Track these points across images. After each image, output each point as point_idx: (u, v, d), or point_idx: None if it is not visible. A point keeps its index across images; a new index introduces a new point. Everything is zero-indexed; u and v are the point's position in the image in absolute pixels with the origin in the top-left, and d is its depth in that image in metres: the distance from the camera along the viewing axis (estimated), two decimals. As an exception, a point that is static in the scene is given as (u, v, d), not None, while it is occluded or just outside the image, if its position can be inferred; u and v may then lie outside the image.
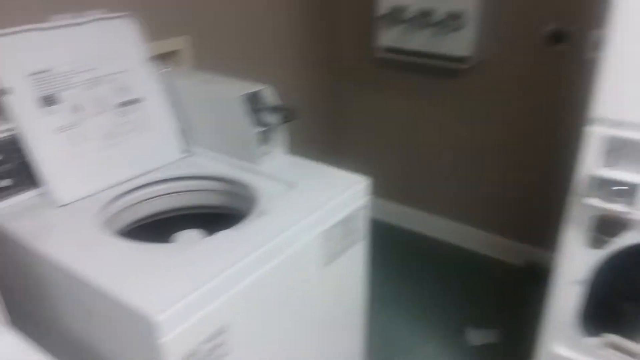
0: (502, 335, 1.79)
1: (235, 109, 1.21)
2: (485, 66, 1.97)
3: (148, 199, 1.21)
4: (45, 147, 1.06)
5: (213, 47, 1.72)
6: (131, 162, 1.20)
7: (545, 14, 1.81)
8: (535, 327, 1.28)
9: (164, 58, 1.46)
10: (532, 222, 2.08)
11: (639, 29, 0.95)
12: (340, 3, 2.21)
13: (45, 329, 1.02)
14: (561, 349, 1.24)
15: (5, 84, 1.03)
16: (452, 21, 1.91)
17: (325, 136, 2.38)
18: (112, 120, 1.17)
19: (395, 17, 2.02)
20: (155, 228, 1.21)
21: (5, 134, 1.03)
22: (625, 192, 1.02)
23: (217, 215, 1.24)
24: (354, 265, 1.21)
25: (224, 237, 0.97)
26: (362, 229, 1.19)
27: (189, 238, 1.09)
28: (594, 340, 1.20)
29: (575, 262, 1.15)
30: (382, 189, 1.27)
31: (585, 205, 1.08)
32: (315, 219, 1.05)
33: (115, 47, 1.21)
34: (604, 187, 1.04)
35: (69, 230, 0.99)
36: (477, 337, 1.79)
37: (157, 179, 1.21)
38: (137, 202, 1.19)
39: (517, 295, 1.97)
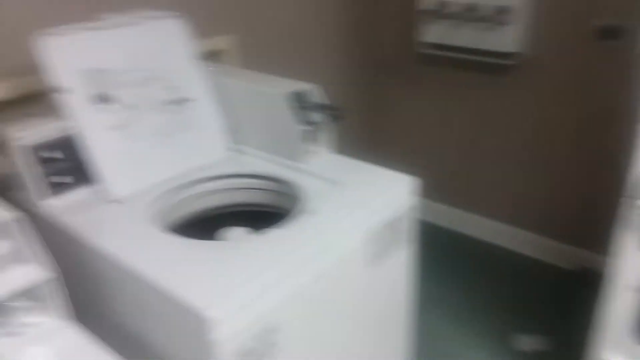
0: (553, 342, 1.74)
1: (282, 107, 1.22)
2: (533, 63, 1.92)
3: (194, 195, 1.23)
4: (99, 145, 1.09)
5: (258, 46, 1.73)
6: (179, 159, 1.22)
7: (597, 8, 1.74)
8: (587, 334, 1.24)
9: (211, 56, 1.48)
10: (584, 224, 2.01)
11: None
12: (384, 1, 2.19)
13: (100, 322, 1.06)
14: (614, 357, 1.20)
15: (63, 83, 1.06)
16: (498, 16, 1.87)
17: (365, 134, 2.36)
18: (162, 118, 1.20)
19: (439, 12, 1.98)
20: (202, 224, 1.23)
21: (63, 133, 1.07)
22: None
23: (262, 213, 1.26)
24: (401, 266, 1.21)
25: (274, 235, 0.98)
26: (409, 229, 1.18)
27: (237, 235, 1.10)
28: (649, 349, 1.16)
29: (630, 267, 1.11)
30: (427, 189, 1.25)
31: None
32: (362, 218, 1.05)
33: (166, 46, 1.23)
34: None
35: (122, 225, 1.02)
36: (526, 343, 1.74)
37: (204, 177, 1.23)
38: (184, 199, 1.21)
39: (568, 301, 1.92)
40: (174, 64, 1.23)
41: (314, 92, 1.24)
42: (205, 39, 1.48)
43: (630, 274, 1.12)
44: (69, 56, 1.08)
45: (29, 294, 0.77)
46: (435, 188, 2.30)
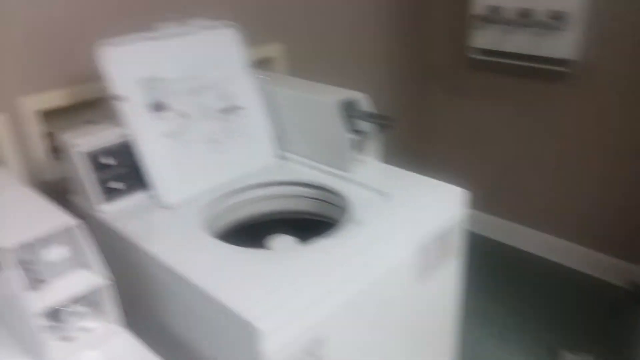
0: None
1: (330, 115, 1.21)
2: (590, 70, 1.84)
3: (242, 202, 1.24)
4: (154, 151, 1.12)
5: (305, 53, 1.74)
6: (228, 166, 1.23)
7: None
8: (636, 353, 1.17)
9: (260, 64, 1.50)
10: (637, 239, 1.91)
11: None
12: (432, 3, 2.16)
13: (148, 327, 1.08)
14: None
15: (121, 92, 1.09)
16: (554, 21, 1.80)
17: (413, 143, 2.33)
18: (213, 126, 1.21)
19: (492, 17, 1.93)
20: (249, 231, 1.24)
21: (119, 140, 1.10)
22: None
23: (309, 221, 1.25)
24: (449, 279, 1.18)
25: (323, 246, 0.97)
26: (459, 242, 1.15)
27: (284, 244, 1.10)
28: None
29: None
30: (478, 201, 1.22)
31: None
32: (411, 230, 1.03)
33: (219, 55, 1.25)
34: None
35: (173, 231, 1.04)
36: (574, 361, 1.68)
37: (251, 184, 1.24)
38: (232, 206, 1.22)
39: (618, 318, 1.83)
40: (227, 73, 1.25)
41: (363, 100, 1.23)
42: (255, 47, 1.50)
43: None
44: (127, 65, 1.11)
45: (85, 299, 0.79)
46: (486, 199, 2.24)
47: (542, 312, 1.90)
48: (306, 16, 1.73)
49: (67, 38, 1.24)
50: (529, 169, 2.14)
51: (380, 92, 2.05)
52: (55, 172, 1.23)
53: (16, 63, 1.17)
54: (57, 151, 1.22)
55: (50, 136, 1.24)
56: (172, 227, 1.05)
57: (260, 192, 1.25)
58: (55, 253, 0.75)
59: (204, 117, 1.20)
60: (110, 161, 1.09)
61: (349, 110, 1.22)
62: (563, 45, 1.82)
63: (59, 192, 1.17)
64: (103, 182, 1.09)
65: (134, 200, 1.11)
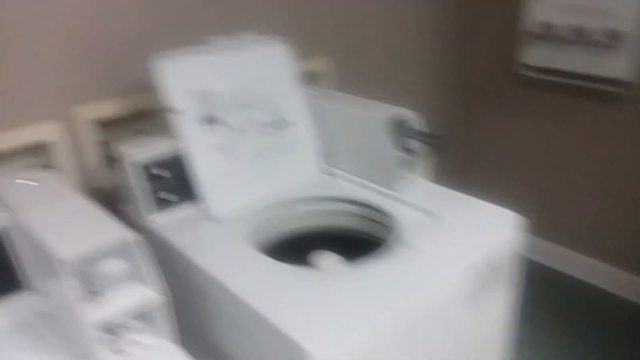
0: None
1: (380, 133, 1.20)
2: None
3: (287, 217, 1.24)
4: (204, 164, 1.13)
5: (352, 68, 1.73)
6: (275, 180, 1.23)
7: None
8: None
9: (307, 78, 1.50)
10: None
11: None
12: (480, 19, 2.12)
13: (193, 339, 1.08)
14: None
15: (175, 104, 1.11)
16: (609, 40, 1.74)
17: (460, 162, 2.27)
18: (262, 140, 1.22)
19: (543, 33, 1.89)
20: (292, 245, 1.23)
21: (171, 151, 1.11)
22: None
23: (352, 237, 1.24)
24: (500, 306, 1.14)
25: (372, 268, 0.96)
26: (511, 268, 1.12)
27: (330, 262, 1.09)
28: None
29: None
30: (531, 225, 1.18)
31: None
32: (462, 255, 1.00)
33: (270, 69, 1.25)
34: None
35: (222, 244, 1.04)
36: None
37: (297, 198, 1.23)
38: (277, 220, 1.22)
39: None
40: (277, 88, 1.25)
41: (415, 119, 1.21)
42: (302, 60, 1.50)
43: None
44: (182, 79, 1.12)
45: (138, 313, 0.80)
46: (539, 224, 2.15)
47: (599, 345, 1.81)
48: (352, 31, 1.73)
49: (122, 50, 1.27)
50: (586, 193, 2.05)
51: (425, 107, 2.02)
52: (107, 180, 1.26)
53: (74, 73, 1.20)
54: (109, 159, 1.25)
55: (103, 144, 1.26)
56: (220, 240, 1.05)
57: (306, 207, 1.24)
58: (113, 266, 0.76)
59: (254, 131, 1.20)
60: (163, 172, 1.10)
61: (400, 128, 1.20)
62: (618, 65, 1.76)
63: (110, 199, 1.20)
64: (155, 193, 1.10)
65: (183, 212, 1.12)
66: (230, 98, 1.18)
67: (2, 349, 0.83)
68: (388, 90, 1.73)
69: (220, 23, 1.40)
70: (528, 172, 2.19)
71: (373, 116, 1.21)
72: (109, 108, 1.25)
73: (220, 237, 1.06)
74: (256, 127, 1.21)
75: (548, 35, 1.87)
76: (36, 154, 1.17)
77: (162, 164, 1.10)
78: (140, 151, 1.10)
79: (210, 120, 1.15)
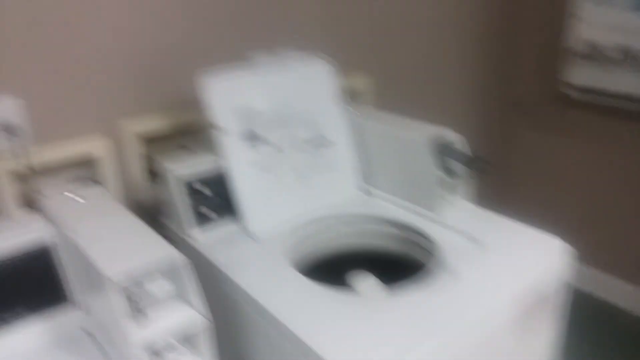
0: None
1: (421, 153, 1.18)
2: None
3: (325, 237, 1.23)
4: (245, 182, 1.13)
5: (392, 86, 1.72)
6: (313, 199, 1.23)
7: None
8: None
9: (345, 95, 1.49)
10: None
11: None
12: (523, 38, 2.08)
13: (227, 356, 1.08)
14: None
15: (219, 122, 1.11)
16: (659, 61, 1.69)
17: (500, 184, 2.21)
18: (302, 159, 1.21)
19: (588, 53, 1.84)
20: (329, 264, 1.22)
21: (215, 168, 1.12)
22: None
23: (391, 258, 1.22)
24: (546, 338, 1.10)
25: (414, 295, 0.94)
26: (558, 298, 1.08)
27: (369, 285, 1.08)
28: None
29: None
30: (579, 254, 1.14)
31: None
32: (507, 284, 0.97)
33: (312, 88, 1.25)
34: None
35: (260, 263, 1.04)
36: None
37: (335, 219, 1.22)
38: (315, 240, 1.21)
39: None
40: (318, 106, 1.25)
41: (458, 140, 1.19)
42: (341, 77, 1.50)
43: None
44: (226, 96, 1.13)
45: (181, 334, 0.80)
46: (583, 251, 2.07)
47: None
48: (393, 48, 1.72)
49: (166, 65, 1.29)
50: (629, 219, 1.97)
51: (466, 126, 1.99)
52: (149, 193, 1.28)
53: (120, 87, 1.23)
54: (152, 174, 1.27)
55: (146, 158, 1.28)
56: (259, 260, 1.05)
57: (344, 228, 1.23)
58: (159, 285, 0.76)
59: (294, 149, 1.20)
60: (205, 189, 1.11)
61: (441, 149, 1.18)
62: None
63: (151, 213, 1.21)
64: (196, 208, 1.11)
65: (223, 229, 1.13)
66: (272, 116, 1.18)
67: (47, 362, 0.84)
68: (427, 108, 1.71)
69: (262, 38, 1.41)
70: (572, 196, 2.11)
71: (414, 136, 1.20)
72: (153, 123, 1.27)
73: (259, 256, 1.06)
74: (297, 145, 1.21)
75: (593, 54, 1.83)
76: (80, 167, 1.20)
77: (205, 180, 1.11)
78: (183, 166, 1.11)
79: (252, 138, 1.15)
